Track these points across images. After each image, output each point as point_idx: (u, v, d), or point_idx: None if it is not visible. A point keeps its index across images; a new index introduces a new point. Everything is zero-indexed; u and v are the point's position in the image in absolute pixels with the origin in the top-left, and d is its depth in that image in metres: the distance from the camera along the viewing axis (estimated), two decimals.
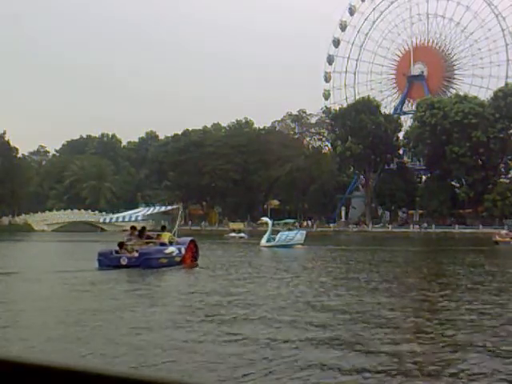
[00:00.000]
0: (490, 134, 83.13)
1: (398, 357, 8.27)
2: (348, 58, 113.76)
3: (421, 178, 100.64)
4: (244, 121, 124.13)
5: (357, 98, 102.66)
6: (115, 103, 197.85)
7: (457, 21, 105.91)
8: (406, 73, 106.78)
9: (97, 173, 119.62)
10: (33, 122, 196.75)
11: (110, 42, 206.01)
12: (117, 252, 21.69)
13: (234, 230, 76.50)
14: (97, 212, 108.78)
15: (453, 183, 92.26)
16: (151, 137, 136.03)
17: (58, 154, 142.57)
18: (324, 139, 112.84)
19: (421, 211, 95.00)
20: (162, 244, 22.72)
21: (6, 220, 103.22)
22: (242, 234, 66.20)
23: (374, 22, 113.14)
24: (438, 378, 7.50)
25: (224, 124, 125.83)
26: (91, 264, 21.50)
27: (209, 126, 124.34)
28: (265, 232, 43.61)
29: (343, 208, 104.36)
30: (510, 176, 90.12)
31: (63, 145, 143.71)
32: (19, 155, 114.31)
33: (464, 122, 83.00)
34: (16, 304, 12.82)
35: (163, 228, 25.21)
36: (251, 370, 7.40)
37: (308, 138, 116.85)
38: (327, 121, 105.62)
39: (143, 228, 23.78)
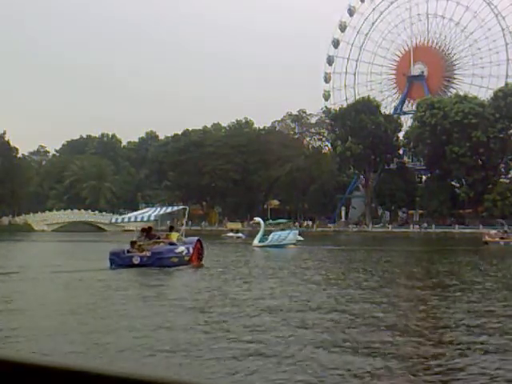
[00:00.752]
0: (490, 133, 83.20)
1: (382, 354, 8.47)
2: (348, 58, 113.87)
3: (421, 178, 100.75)
4: (244, 121, 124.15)
5: (357, 98, 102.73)
6: (115, 103, 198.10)
7: (456, 21, 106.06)
8: (406, 73, 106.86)
9: (97, 173, 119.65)
10: (33, 121, 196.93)
11: (110, 41, 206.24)
12: (128, 251, 21.89)
13: (231, 230, 76.68)
14: (97, 212, 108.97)
15: (453, 183, 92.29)
16: (151, 137, 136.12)
17: (57, 154, 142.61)
18: (324, 139, 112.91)
19: (421, 211, 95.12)
20: (172, 244, 22.99)
21: (5, 220, 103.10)
22: (240, 234, 66.46)
23: (373, 23, 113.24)
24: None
25: (224, 124, 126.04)
26: (102, 264, 21.65)
27: (209, 126, 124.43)
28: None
29: (343, 208, 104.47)
30: (510, 176, 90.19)
31: (63, 145, 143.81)
32: (19, 155, 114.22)
33: (464, 121, 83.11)
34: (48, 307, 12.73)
35: (171, 228, 25.48)
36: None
37: (308, 138, 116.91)
38: (327, 121, 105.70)
39: (150, 228, 24.01)
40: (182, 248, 22.96)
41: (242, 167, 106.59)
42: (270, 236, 41.38)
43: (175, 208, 30.89)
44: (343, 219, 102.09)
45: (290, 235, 42.19)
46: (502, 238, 49.26)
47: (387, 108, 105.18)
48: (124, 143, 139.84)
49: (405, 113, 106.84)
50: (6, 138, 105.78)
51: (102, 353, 8.43)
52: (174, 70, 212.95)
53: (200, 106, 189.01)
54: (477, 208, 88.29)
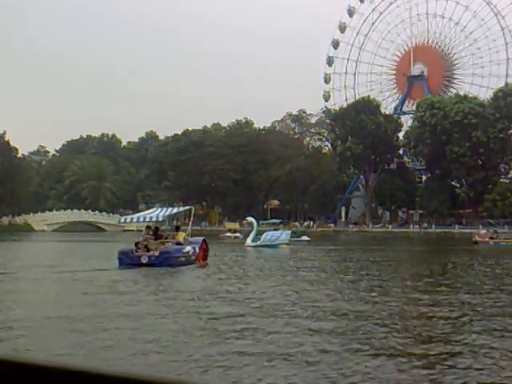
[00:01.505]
0: (490, 133, 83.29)
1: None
2: (348, 59, 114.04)
3: (421, 177, 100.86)
4: (244, 121, 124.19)
5: (357, 98, 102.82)
6: (115, 103, 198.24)
7: (456, 20, 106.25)
8: (406, 73, 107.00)
9: (97, 173, 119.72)
10: (33, 121, 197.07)
11: (110, 41, 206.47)
12: (137, 251, 22.10)
13: (229, 230, 77.02)
14: (97, 212, 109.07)
15: (453, 183, 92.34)
16: (151, 137, 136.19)
17: (58, 154, 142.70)
18: (324, 139, 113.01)
19: (421, 211, 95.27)
20: (178, 243, 23.23)
21: (5, 220, 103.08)
22: (237, 234, 66.75)
23: (373, 23, 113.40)
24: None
25: (224, 124, 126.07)
26: (110, 263, 21.77)
27: (209, 126, 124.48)
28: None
29: (343, 208, 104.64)
30: (510, 176, 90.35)
31: (63, 145, 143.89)
32: (19, 155, 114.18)
33: (464, 122, 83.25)
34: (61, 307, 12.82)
35: (177, 228, 25.68)
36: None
37: (308, 138, 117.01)
38: (327, 121, 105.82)
39: (156, 228, 24.20)
40: (188, 248, 23.29)
41: (242, 167, 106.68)
42: (263, 236, 41.48)
43: (181, 208, 31.21)
44: (343, 219, 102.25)
45: (283, 235, 42.27)
46: (491, 238, 49.31)
47: (387, 108, 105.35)
48: (124, 143, 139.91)
49: (405, 113, 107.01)
50: (6, 138, 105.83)
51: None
52: (174, 69, 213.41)
53: (200, 105, 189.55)
54: (477, 208, 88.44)
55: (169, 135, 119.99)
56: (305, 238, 54.58)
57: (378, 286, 16.64)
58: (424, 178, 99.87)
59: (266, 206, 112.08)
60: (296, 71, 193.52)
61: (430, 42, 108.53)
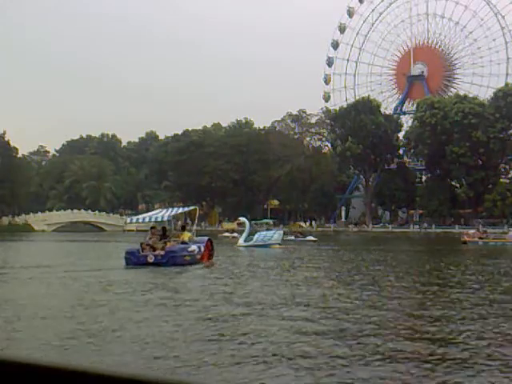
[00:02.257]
0: (490, 133, 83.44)
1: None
2: (348, 59, 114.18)
3: (421, 178, 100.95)
4: (244, 121, 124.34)
5: (357, 99, 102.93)
6: (115, 103, 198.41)
7: (456, 20, 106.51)
8: (406, 73, 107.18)
9: (97, 173, 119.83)
10: (33, 122, 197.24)
11: (110, 42, 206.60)
12: (143, 250, 22.29)
13: (227, 230, 77.38)
14: (97, 212, 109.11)
15: (453, 183, 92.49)
16: (151, 137, 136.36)
17: (58, 154, 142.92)
18: (324, 139, 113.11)
19: (421, 211, 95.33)
20: (183, 243, 23.40)
21: (5, 220, 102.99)
22: (235, 234, 66.86)
23: (373, 24, 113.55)
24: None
25: (224, 124, 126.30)
26: (116, 262, 21.89)
27: (209, 126, 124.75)
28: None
29: (343, 208, 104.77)
30: (510, 176, 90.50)
31: (63, 145, 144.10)
32: (19, 155, 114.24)
33: (464, 122, 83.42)
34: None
35: (183, 228, 25.80)
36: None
37: (308, 138, 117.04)
38: (327, 121, 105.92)
39: (164, 228, 24.35)
40: (194, 247, 23.47)
41: (241, 167, 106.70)
42: (255, 236, 41.51)
43: (186, 208, 31.44)
44: (343, 219, 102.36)
45: (275, 235, 42.16)
46: (480, 238, 49.49)
47: (387, 108, 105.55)
48: (124, 143, 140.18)
49: (405, 113, 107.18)
50: (6, 138, 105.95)
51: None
52: (174, 69, 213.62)
53: (200, 106, 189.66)
54: (477, 208, 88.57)
55: (169, 135, 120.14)
56: (311, 237, 54.53)
57: (376, 285, 16.66)
58: (424, 177, 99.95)
59: (265, 206, 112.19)
60: (296, 71, 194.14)
61: (429, 41, 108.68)
